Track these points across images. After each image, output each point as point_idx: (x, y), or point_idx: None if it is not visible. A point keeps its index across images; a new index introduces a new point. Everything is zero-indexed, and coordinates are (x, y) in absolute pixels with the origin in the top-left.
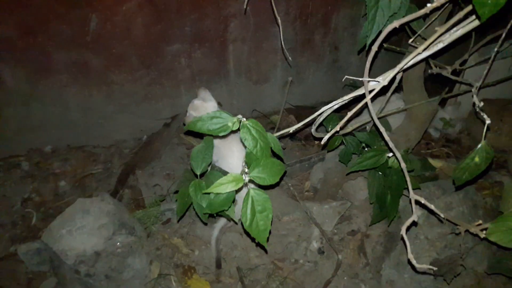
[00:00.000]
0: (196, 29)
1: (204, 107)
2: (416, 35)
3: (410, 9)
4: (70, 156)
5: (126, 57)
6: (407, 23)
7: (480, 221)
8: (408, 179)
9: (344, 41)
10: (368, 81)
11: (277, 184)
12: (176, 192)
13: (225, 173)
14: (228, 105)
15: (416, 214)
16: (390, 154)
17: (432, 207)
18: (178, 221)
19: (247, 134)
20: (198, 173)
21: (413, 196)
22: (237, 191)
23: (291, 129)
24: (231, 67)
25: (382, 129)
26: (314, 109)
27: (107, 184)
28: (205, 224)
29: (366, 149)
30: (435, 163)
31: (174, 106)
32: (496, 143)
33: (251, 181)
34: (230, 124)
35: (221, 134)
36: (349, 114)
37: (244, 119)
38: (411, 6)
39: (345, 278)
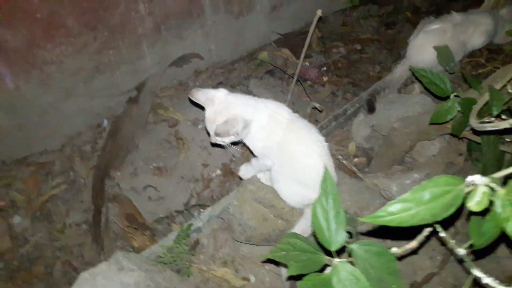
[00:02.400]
0: None
1: (221, 103)
2: None
3: None
4: (12, 176)
5: (58, 21)
6: None
7: None
8: None
9: None
10: None
11: None
12: (269, 261)
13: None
14: (206, 53)
15: None
16: None
17: None
18: None
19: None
20: (334, 249)
21: None
22: None
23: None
24: (206, 1)
25: None
26: (306, 33)
27: (79, 202)
28: None
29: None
30: None
31: (137, 72)
32: None
33: None
34: (469, 199)
35: (440, 219)
36: None
37: (496, 186)
38: None
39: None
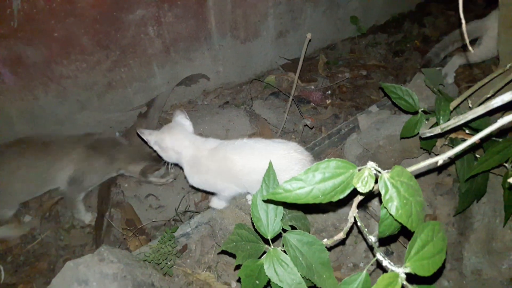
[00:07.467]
0: None
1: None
2: None
3: None
4: None
5: (74, 40)
6: None
7: None
8: None
9: None
10: None
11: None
12: (223, 252)
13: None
14: (214, 75)
15: None
16: None
17: None
18: None
19: (395, 194)
20: (270, 237)
21: None
22: None
23: None
24: (212, 26)
25: None
26: (313, 59)
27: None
28: None
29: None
30: None
31: (147, 89)
32: None
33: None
34: (355, 179)
35: (336, 199)
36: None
37: (382, 170)
38: None
39: None
